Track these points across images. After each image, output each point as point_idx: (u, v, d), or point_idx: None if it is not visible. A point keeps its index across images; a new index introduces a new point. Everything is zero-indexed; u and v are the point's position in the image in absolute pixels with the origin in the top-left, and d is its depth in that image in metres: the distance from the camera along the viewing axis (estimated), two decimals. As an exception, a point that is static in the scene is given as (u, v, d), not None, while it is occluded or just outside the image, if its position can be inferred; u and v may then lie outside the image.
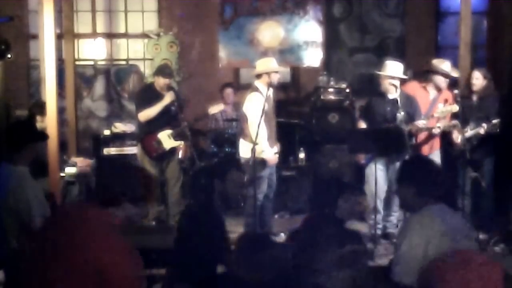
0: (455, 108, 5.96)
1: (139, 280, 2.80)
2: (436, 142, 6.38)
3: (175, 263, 4.17)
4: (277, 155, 6.18)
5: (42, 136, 4.28)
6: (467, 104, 6.25)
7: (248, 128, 5.99)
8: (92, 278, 2.62)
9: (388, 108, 6.08)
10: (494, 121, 6.02)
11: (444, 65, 6.33)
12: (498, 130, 6.04)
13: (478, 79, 6.29)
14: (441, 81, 6.29)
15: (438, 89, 6.33)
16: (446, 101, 6.23)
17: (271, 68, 6.12)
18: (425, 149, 6.34)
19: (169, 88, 6.63)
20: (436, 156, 6.27)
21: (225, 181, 4.31)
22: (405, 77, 6.28)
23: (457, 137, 6.21)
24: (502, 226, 6.21)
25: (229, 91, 7.88)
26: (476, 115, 6.25)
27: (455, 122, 6.16)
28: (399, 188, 3.46)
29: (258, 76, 6.10)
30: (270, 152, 6.03)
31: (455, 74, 6.39)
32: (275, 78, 6.10)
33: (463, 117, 6.12)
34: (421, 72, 6.73)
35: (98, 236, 2.70)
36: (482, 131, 6.05)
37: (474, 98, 6.33)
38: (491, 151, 6.40)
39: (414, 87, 6.46)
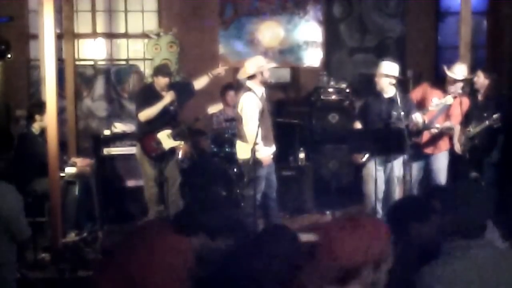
0: (450, 100, 5.89)
1: None
2: (444, 143, 6.30)
3: None
4: (271, 156, 6.09)
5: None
6: (472, 103, 6.24)
7: (244, 129, 5.96)
8: None
9: (383, 107, 6.02)
10: (495, 116, 6.06)
11: (456, 69, 6.11)
12: (500, 124, 6.03)
13: (480, 77, 6.37)
14: (455, 87, 6.08)
15: (450, 91, 6.09)
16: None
17: (262, 66, 6.01)
18: (430, 149, 6.27)
19: (169, 87, 6.63)
20: (443, 157, 6.26)
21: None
22: (400, 76, 6.23)
23: (459, 139, 6.21)
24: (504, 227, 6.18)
25: (231, 93, 7.81)
26: (480, 115, 6.23)
27: (449, 124, 6.14)
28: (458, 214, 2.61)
29: (250, 76, 6.02)
30: (264, 152, 5.95)
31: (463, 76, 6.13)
32: (268, 75, 6.03)
33: (467, 116, 6.11)
34: (420, 72, 6.70)
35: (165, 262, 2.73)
36: (484, 126, 6.11)
37: (479, 97, 6.33)
38: (493, 151, 6.39)
39: (425, 90, 6.37)
